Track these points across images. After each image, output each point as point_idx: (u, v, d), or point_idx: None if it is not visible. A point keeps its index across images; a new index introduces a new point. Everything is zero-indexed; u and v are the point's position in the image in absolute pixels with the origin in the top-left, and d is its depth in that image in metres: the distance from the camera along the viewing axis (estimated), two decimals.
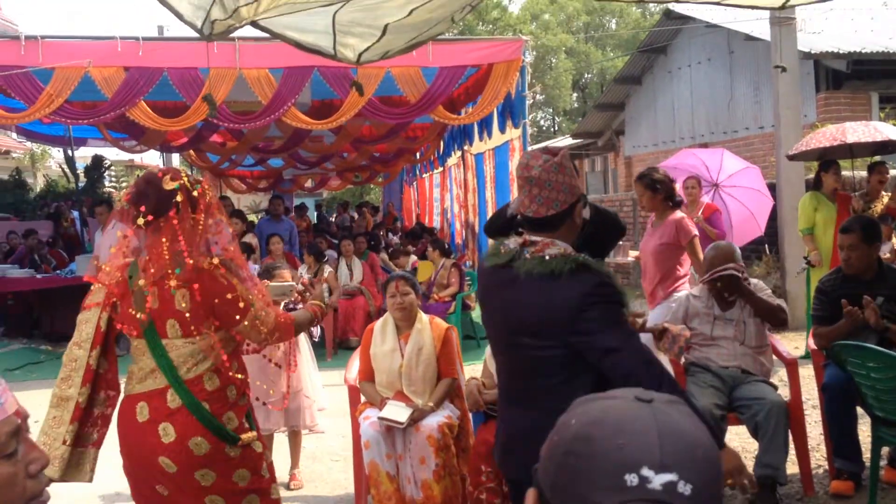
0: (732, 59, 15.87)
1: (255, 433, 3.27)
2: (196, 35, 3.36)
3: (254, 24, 3.58)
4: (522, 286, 2.56)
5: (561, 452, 1.02)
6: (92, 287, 3.30)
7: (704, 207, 8.19)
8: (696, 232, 6.17)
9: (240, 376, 3.27)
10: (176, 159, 23.43)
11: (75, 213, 16.68)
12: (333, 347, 9.94)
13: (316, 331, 5.64)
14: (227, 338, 3.23)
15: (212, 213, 3.22)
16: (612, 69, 37.11)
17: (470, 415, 4.73)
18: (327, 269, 10.09)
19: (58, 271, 12.08)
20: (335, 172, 22.11)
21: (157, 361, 3.14)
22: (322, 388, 5.71)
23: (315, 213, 24.75)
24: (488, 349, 4.60)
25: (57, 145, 17.79)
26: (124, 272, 3.21)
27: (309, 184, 25.34)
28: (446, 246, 11.26)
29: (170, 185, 3.14)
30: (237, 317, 3.16)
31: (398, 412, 4.49)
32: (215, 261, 3.14)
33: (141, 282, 3.13)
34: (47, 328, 11.64)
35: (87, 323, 3.21)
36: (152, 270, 3.12)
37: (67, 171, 19.67)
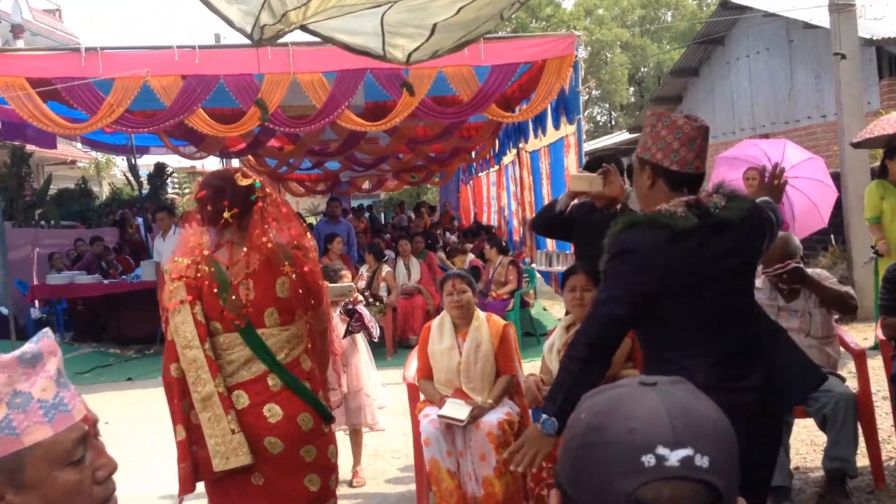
0: (792, 48, 15.54)
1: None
2: (251, 43, 3.41)
3: (303, 28, 3.61)
4: (738, 232, 2.65)
5: (574, 447, 1.03)
6: (169, 287, 3.31)
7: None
8: None
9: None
10: (235, 164, 23.83)
11: (139, 220, 17.06)
12: (393, 346, 9.98)
13: (375, 331, 5.67)
14: (316, 319, 3.42)
15: (279, 207, 3.35)
16: (669, 62, 36.63)
17: (529, 411, 4.71)
18: (385, 269, 10.16)
19: (124, 276, 12.37)
20: (391, 173, 22.24)
21: (255, 351, 3.24)
22: (381, 386, 5.75)
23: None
24: (546, 344, 4.59)
25: (120, 154, 18.22)
26: (199, 268, 3.27)
27: (366, 185, 25.52)
28: (503, 243, 11.23)
29: (244, 182, 3.25)
30: (321, 302, 3.33)
31: (458, 410, 4.49)
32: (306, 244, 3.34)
33: (231, 275, 3.22)
34: (115, 332, 11.92)
35: (185, 324, 3.23)
36: (251, 262, 3.20)
37: (131, 178, 20.10)
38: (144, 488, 5.24)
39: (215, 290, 3.22)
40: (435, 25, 4.01)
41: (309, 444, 3.30)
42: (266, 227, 3.26)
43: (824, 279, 4.76)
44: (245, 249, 3.23)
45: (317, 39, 3.93)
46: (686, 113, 16.74)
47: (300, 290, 3.27)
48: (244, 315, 3.24)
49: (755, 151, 9.10)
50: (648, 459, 0.96)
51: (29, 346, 1.39)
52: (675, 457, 0.96)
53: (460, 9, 3.83)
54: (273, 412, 3.23)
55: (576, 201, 4.62)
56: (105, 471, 1.44)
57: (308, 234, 3.47)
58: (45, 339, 1.41)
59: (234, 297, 3.22)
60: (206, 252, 3.28)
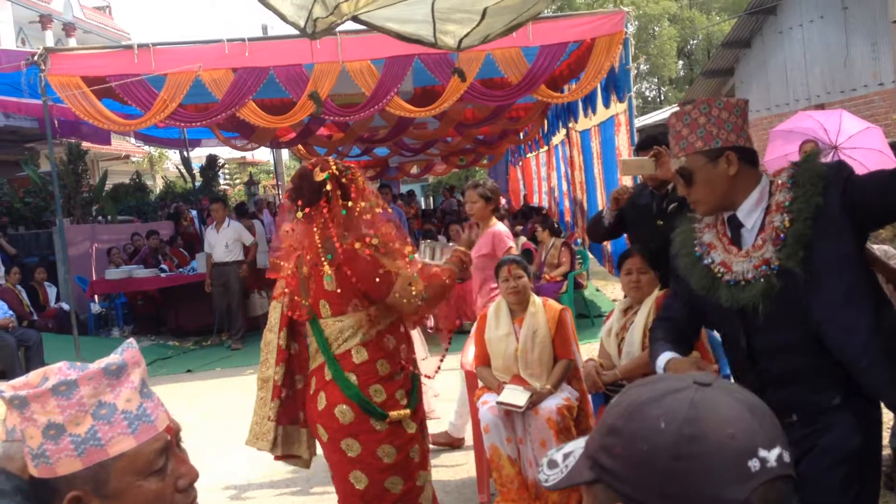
0: (847, 15, 15.13)
1: (407, 412, 3.37)
2: (298, 34, 3.42)
3: (355, 18, 3.60)
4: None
5: (666, 458, 0.98)
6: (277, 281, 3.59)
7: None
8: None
9: (396, 349, 3.43)
10: (285, 154, 24.01)
11: (194, 213, 17.31)
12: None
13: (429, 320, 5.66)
14: (382, 312, 3.37)
15: (365, 198, 3.38)
16: (719, 34, 35.95)
17: (589, 396, 4.68)
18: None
19: (180, 269, 12.57)
20: (440, 157, 22.24)
21: (317, 340, 3.38)
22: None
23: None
24: (604, 329, 4.55)
25: (173, 147, 18.47)
26: (295, 263, 3.43)
27: (414, 170, 25.57)
28: (556, 225, 11.16)
29: (319, 177, 3.32)
30: (386, 290, 3.30)
31: (517, 396, 4.48)
32: (373, 241, 3.30)
33: (304, 269, 3.38)
34: (173, 324, 12.14)
35: (274, 310, 3.55)
36: (308, 258, 3.34)
37: (184, 171, 20.39)
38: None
39: (297, 284, 3.43)
40: (485, 10, 3.97)
41: (349, 437, 3.30)
42: (324, 223, 3.30)
43: (892, 258, 4.62)
44: (304, 246, 3.38)
45: (365, 27, 3.93)
46: (737, 87, 16.41)
47: (349, 284, 3.29)
48: (308, 306, 3.39)
49: (810, 123, 8.90)
50: (754, 464, 0.96)
51: (113, 357, 1.41)
52: (772, 456, 0.97)
53: None
54: (321, 400, 3.36)
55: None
56: (186, 479, 1.46)
57: (388, 227, 3.44)
58: (129, 350, 1.44)
59: (304, 289, 3.40)
60: (297, 252, 3.46)
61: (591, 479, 1.06)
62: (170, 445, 1.45)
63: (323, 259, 3.28)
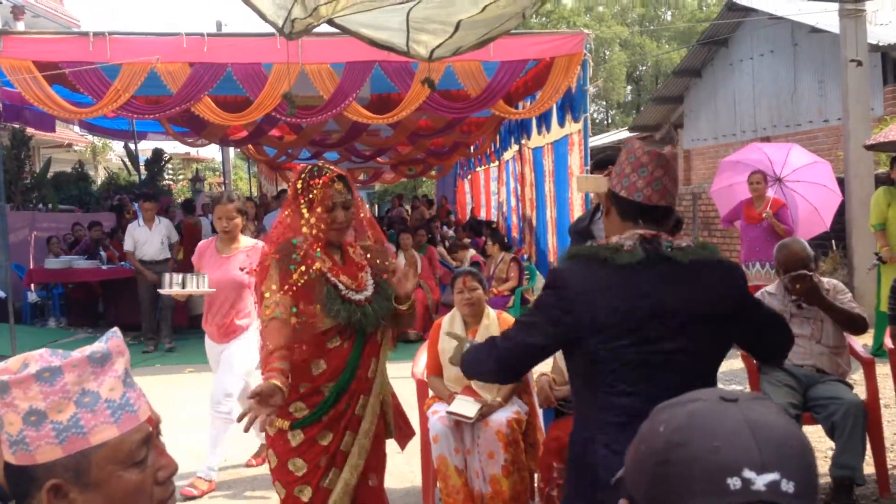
0: (797, 52, 15.57)
1: (285, 423, 3.28)
2: (259, 31, 3.43)
3: (330, 21, 3.62)
4: (688, 276, 2.40)
5: (653, 462, 1.00)
6: None
7: (771, 202, 8.09)
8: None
9: (306, 362, 3.29)
10: (232, 152, 23.75)
11: (137, 206, 16.99)
12: (393, 340, 9.96)
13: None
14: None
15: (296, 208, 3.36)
16: (668, 62, 36.65)
17: (539, 411, 4.72)
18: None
19: (122, 262, 12.33)
20: (389, 166, 22.21)
21: None
22: None
23: None
24: None
25: (119, 139, 18.17)
26: None
27: (362, 177, 25.46)
28: (505, 240, 11.24)
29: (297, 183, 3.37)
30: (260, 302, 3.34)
31: (467, 407, 4.50)
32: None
33: None
34: (112, 318, 11.88)
35: None
36: None
37: (128, 163, 20.02)
38: None
39: None
40: (459, 22, 4.02)
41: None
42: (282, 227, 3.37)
43: (839, 292, 4.75)
44: None
45: (328, 29, 3.94)
46: (686, 115, 16.68)
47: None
48: None
49: (758, 155, 9.15)
50: (734, 482, 0.94)
51: (98, 346, 1.39)
52: (761, 481, 0.94)
53: (485, 7, 3.84)
54: None
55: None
56: (166, 471, 1.45)
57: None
58: (113, 339, 1.42)
59: None
60: None
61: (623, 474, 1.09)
62: (151, 437, 1.43)
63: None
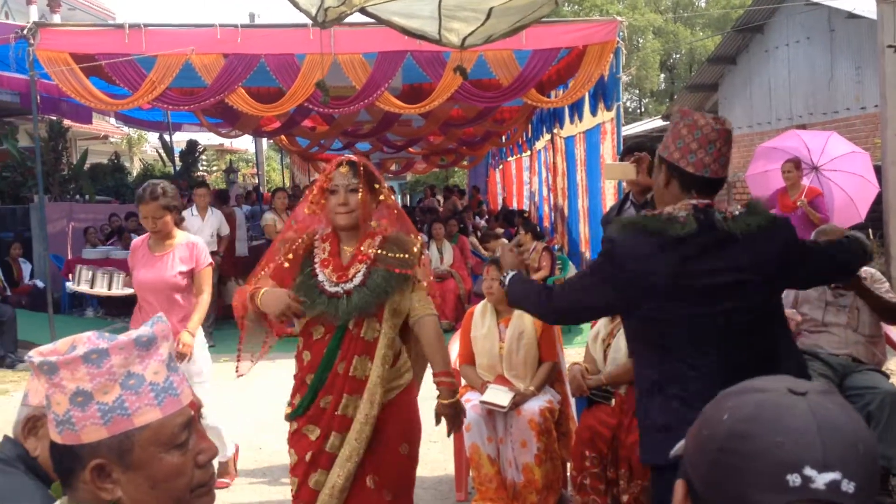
0: (833, 38, 15.34)
1: (288, 410, 3.34)
2: (292, 21, 3.44)
3: (362, 10, 3.62)
4: (741, 242, 2.48)
5: (714, 449, 1.01)
6: None
7: (807, 191, 7.99)
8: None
9: (300, 353, 3.36)
10: (265, 144, 23.90)
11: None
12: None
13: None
14: None
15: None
16: (702, 49, 36.27)
17: (572, 400, 4.71)
18: (425, 253, 10.16)
19: None
20: (421, 156, 22.23)
21: None
22: None
23: None
24: (591, 334, 4.58)
25: (154, 130, 18.32)
26: None
27: (394, 167, 25.54)
28: (538, 229, 11.20)
29: None
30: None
31: (500, 396, 4.51)
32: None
33: None
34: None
35: None
36: None
37: (164, 155, 20.19)
38: None
39: None
40: (491, 10, 4.00)
41: None
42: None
43: (876, 281, 4.69)
44: None
45: (360, 19, 3.95)
46: (720, 103, 16.52)
47: None
48: None
49: (795, 142, 9.02)
50: (794, 479, 0.94)
51: (144, 330, 1.42)
52: (822, 480, 0.94)
53: None
54: None
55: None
56: (206, 455, 1.48)
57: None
58: (159, 324, 1.45)
59: None
60: None
61: (682, 452, 1.10)
62: (193, 420, 1.46)
63: None
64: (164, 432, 1.39)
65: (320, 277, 3.24)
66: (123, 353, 1.38)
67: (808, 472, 0.94)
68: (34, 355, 1.38)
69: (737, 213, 2.51)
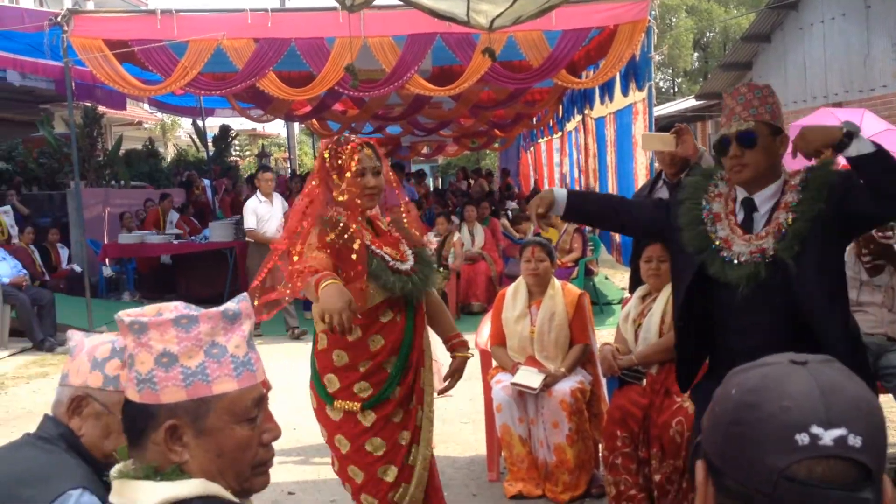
0: (869, 14, 15.05)
1: (356, 405, 3.19)
2: (322, 5, 3.44)
3: None
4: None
5: (726, 422, 1.05)
6: None
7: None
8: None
9: (362, 340, 3.20)
10: (297, 129, 24.00)
11: (206, 181, 17.32)
12: (456, 312, 10.03)
13: None
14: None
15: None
16: (736, 27, 35.76)
17: (603, 380, 4.72)
18: (456, 235, 10.19)
19: (192, 237, 12.60)
20: (452, 139, 22.21)
21: None
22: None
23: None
24: (622, 314, 4.57)
25: (187, 115, 18.49)
26: None
27: (425, 150, 25.55)
28: None
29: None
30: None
31: (531, 378, 4.52)
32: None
33: None
34: (183, 291, 12.17)
35: None
36: None
37: (197, 140, 20.36)
38: None
39: None
40: None
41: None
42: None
43: None
44: None
45: (389, 2, 3.95)
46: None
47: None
48: None
49: (830, 120, 8.89)
50: (802, 438, 0.98)
51: (231, 305, 1.49)
52: (828, 436, 0.98)
53: None
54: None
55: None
56: (271, 434, 1.53)
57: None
58: (243, 302, 1.51)
59: None
60: None
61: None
62: (264, 399, 1.52)
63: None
64: (238, 404, 1.45)
65: (387, 259, 3.18)
66: (211, 323, 1.44)
67: (815, 430, 0.98)
68: (123, 315, 1.44)
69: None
